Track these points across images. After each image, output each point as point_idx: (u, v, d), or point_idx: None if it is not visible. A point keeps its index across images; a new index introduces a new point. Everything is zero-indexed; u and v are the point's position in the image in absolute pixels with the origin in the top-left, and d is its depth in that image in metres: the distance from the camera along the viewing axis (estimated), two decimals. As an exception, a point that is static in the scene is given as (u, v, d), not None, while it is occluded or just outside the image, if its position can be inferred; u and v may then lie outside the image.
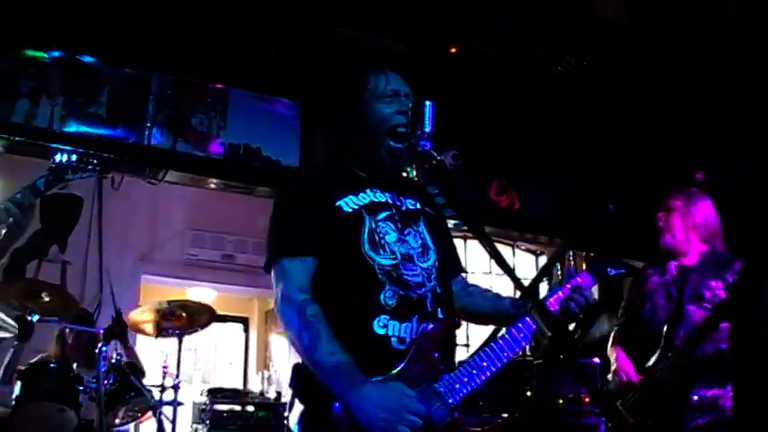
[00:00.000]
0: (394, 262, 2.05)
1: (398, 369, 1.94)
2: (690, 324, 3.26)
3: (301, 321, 1.93)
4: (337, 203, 2.09)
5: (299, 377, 2.00)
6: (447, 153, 2.08)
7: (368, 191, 2.14)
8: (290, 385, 2.05)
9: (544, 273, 7.40)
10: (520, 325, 2.09)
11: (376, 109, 2.17)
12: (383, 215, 2.11)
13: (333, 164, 2.28)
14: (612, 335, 3.71)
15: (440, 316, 2.07)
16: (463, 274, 2.39)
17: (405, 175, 2.34)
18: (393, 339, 1.98)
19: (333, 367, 1.87)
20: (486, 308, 2.29)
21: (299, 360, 2.00)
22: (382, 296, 2.00)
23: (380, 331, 1.97)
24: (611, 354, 3.61)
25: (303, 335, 1.92)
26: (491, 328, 6.61)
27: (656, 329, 3.37)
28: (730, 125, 5.68)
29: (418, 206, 2.22)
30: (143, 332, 5.13)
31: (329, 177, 2.19)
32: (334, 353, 1.88)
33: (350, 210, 2.09)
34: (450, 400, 1.96)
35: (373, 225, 2.08)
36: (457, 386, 1.97)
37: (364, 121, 2.18)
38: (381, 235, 2.08)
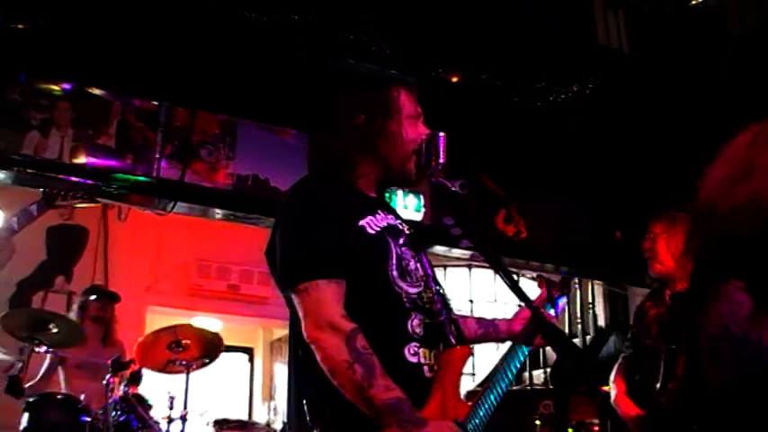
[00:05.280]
0: (419, 290, 1.96)
1: (428, 404, 1.84)
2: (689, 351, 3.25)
3: (353, 353, 1.76)
4: (360, 224, 1.95)
5: (327, 411, 1.88)
6: (454, 182, 2.07)
7: (379, 212, 2.02)
8: (312, 420, 1.92)
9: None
10: (524, 348, 2.07)
11: (402, 129, 2.07)
12: (401, 240, 2.00)
13: (341, 183, 2.07)
14: (617, 367, 3.68)
15: (452, 342, 2.00)
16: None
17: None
18: (425, 368, 1.90)
19: (391, 404, 1.74)
20: (478, 329, 2.27)
21: (313, 391, 1.89)
22: (409, 324, 1.91)
23: (413, 360, 1.88)
24: (612, 389, 3.59)
25: (356, 367, 1.74)
26: (495, 355, 6.61)
27: (657, 361, 3.36)
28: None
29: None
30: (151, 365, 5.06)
31: (344, 195, 2.03)
32: (391, 389, 1.75)
33: (373, 232, 1.95)
34: None
35: (399, 251, 1.97)
36: (476, 421, 1.91)
37: (391, 140, 2.06)
38: (406, 261, 1.97)
